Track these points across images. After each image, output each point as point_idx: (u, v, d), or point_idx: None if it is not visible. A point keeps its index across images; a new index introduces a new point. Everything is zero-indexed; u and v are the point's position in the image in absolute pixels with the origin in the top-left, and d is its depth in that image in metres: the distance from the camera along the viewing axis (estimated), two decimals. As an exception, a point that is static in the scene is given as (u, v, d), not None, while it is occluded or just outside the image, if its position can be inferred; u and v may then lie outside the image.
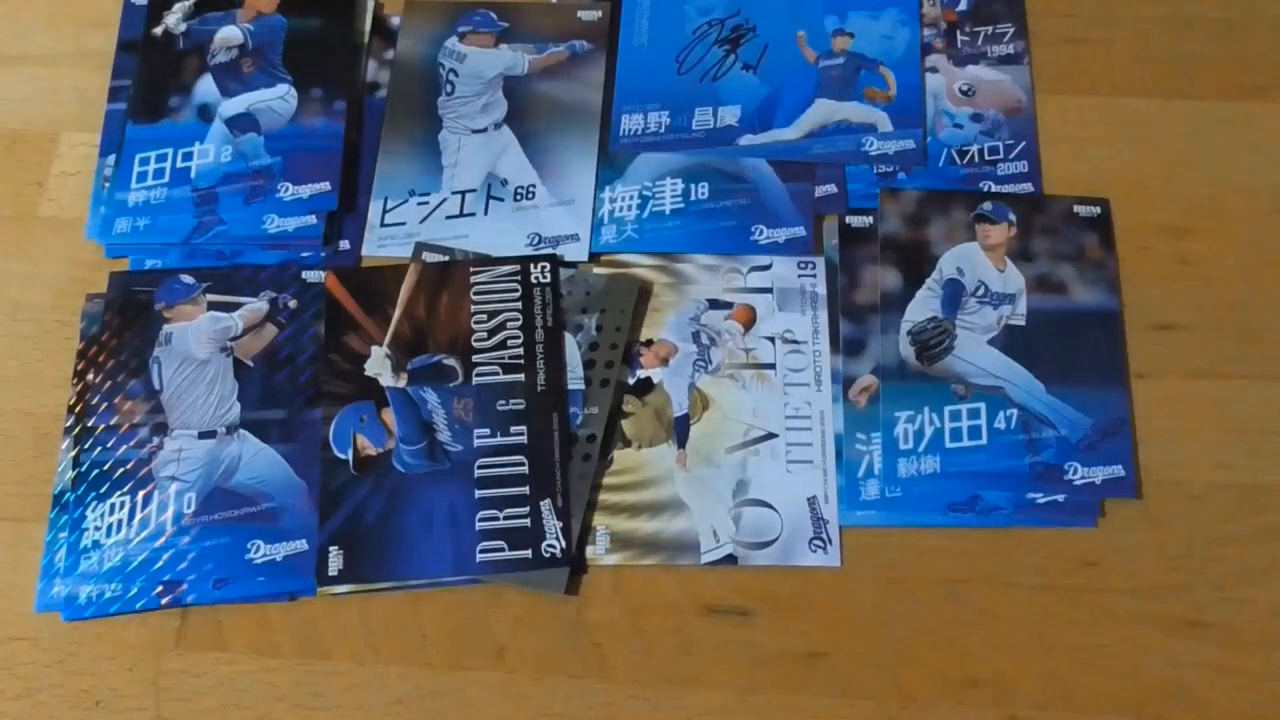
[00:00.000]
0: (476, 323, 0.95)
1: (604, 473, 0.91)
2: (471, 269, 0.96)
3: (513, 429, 0.91)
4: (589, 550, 0.88)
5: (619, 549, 0.88)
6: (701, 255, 0.98)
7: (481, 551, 0.88)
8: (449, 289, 0.96)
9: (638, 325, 0.95)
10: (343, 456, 0.90)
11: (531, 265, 0.96)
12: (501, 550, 0.88)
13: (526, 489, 0.89)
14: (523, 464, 0.90)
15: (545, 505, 0.89)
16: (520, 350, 0.94)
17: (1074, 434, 0.90)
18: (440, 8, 1.08)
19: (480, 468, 0.90)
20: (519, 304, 0.95)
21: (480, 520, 0.88)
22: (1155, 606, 0.86)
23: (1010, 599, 0.87)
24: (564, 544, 0.87)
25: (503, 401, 0.92)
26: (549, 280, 0.95)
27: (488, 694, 0.85)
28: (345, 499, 0.89)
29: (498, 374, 0.93)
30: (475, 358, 0.93)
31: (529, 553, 0.87)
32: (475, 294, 0.96)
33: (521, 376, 0.93)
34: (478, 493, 0.89)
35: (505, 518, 0.88)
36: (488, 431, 0.91)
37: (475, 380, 0.93)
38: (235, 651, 0.87)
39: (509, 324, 0.94)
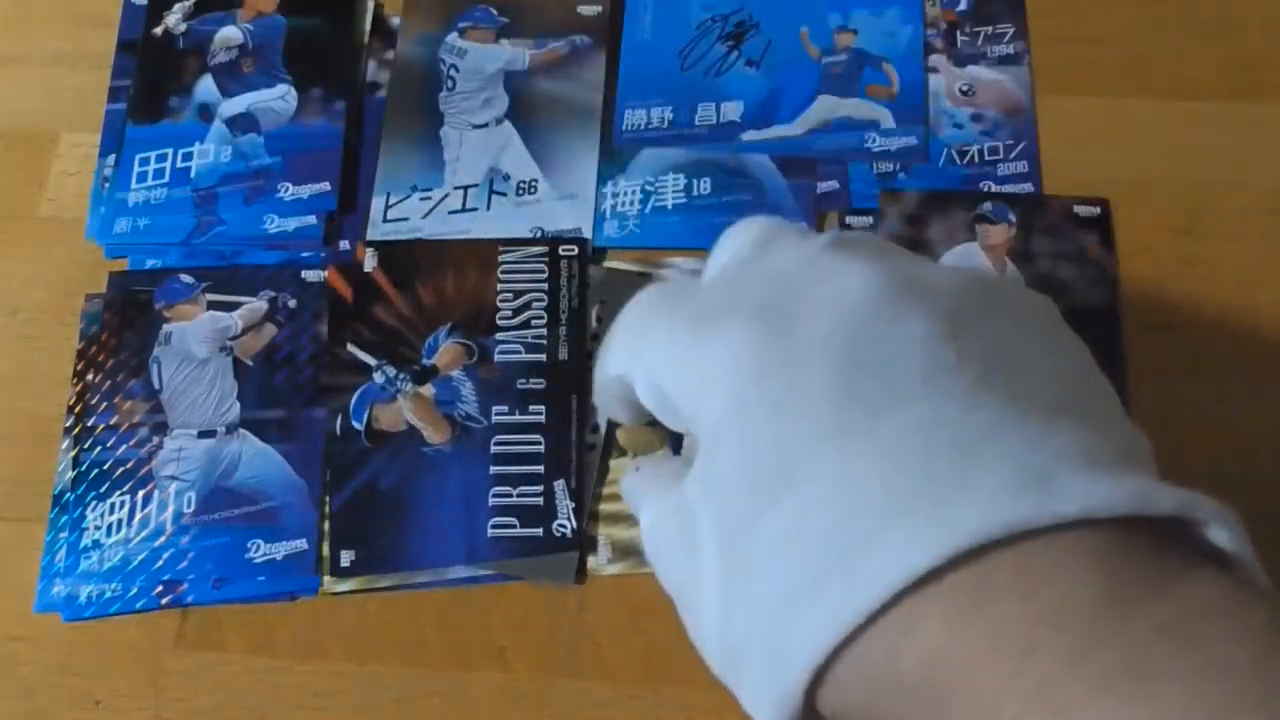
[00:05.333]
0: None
1: (604, 479, 0.90)
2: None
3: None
4: (591, 560, 0.88)
5: (621, 558, 0.88)
6: (705, 249, 0.97)
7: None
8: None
9: (638, 318, 0.95)
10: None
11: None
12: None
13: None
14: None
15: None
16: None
17: (1076, 433, 0.89)
18: (440, 6, 1.08)
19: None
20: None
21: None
22: (1159, 603, 0.86)
23: (1013, 595, 0.86)
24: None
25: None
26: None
27: (488, 694, 0.85)
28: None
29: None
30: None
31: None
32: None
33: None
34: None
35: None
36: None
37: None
38: (235, 651, 0.86)
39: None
